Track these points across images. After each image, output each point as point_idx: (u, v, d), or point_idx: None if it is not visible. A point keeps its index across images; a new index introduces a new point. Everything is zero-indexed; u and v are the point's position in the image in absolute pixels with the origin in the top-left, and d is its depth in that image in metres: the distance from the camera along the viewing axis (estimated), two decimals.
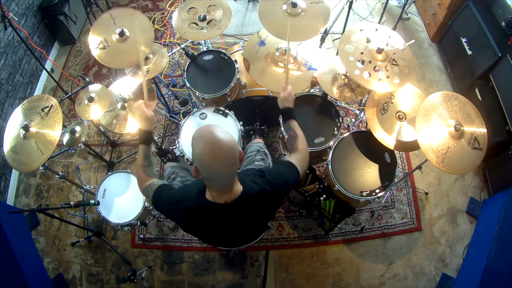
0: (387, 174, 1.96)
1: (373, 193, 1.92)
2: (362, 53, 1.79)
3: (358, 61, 1.78)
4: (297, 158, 1.35)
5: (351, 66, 1.77)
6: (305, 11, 1.93)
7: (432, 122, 1.61)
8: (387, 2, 2.95)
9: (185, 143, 2.01)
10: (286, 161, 1.33)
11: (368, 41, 1.83)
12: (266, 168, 1.29)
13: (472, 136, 1.63)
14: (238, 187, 1.15)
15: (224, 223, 1.23)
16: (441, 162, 1.57)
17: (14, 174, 2.72)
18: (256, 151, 1.89)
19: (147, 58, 2.10)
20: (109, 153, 2.77)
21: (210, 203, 1.14)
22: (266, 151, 1.95)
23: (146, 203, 1.99)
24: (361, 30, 1.87)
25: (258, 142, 2.01)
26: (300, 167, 1.32)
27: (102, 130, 2.58)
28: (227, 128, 2.04)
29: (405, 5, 2.72)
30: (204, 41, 2.48)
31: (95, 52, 1.88)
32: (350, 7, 2.46)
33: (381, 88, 1.75)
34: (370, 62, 1.78)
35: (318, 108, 2.16)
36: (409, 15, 3.44)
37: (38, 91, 3.11)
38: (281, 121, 2.07)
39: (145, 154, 1.39)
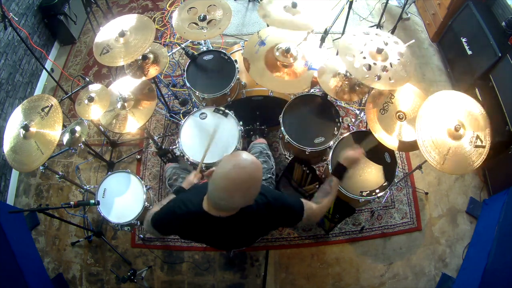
0: (387, 174, 1.95)
1: (373, 193, 1.92)
2: (364, 58, 1.78)
3: (364, 66, 1.77)
4: (311, 208, 1.31)
5: (361, 73, 1.75)
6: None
7: (432, 123, 1.61)
8: (387, 2, 2.95)
9: (185, 143, 2.01)
10: (300, 200, 1.31)
11: (365, 44, 1.83)
12: (274, 192, 1.29)
13: (474, 134, 1.62)
14: None
15: (217, 233, 1.25)
16: (442, 163, 1.56)
17: (14, 174, 2.72)
18: (259, 153, 1.90)
19: (146, 58, 2.10)
20: (109, 153, 2.77)
21: (205, 213, 1.16)
22: (269, 152, 1.95)
23: (146, 202, 1.99)
24: (353, 35, 1.86)
25: (261, 143, 2.00)
26: (306, 215, 1.28)
27: (102, 130, 2.58)
28: (228, 128, 2.04)
29: (405, 5, 2.72)
30: (204, 41, 2.48)
31: (102, 60, 1.91)
32: (350, 7, 2.47)
33: (393, 85, 1.74)
34: (375, 64, 1.77)
35: (318, 108, 2.16)
36: (409, 15, 3.44)
37: (38, 91, 3.11)
38: (281, 121, 2.07)
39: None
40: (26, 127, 1.75)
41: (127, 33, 1.97)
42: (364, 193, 1.92)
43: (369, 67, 1.75)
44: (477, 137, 1.61)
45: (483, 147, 1.61)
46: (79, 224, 2.40)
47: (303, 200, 1.32)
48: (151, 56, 2.11)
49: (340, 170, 1.44)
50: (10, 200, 2.63)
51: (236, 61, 2.17)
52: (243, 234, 1.32)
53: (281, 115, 2.09)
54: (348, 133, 2.08)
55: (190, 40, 3.01)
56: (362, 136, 2.06)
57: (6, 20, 2.10)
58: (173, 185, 1.83)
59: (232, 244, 1.51)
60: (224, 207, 1.12)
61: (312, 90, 2.20)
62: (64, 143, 2.02)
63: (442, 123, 1.62)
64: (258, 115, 2.42)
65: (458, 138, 1.60)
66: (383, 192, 1.92)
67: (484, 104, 2.37)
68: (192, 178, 1.53)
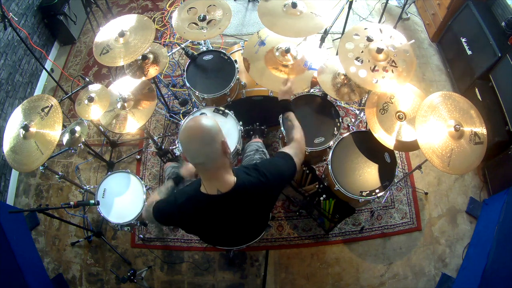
0: (387, 174, 1.95)
1: (373, 193, 1.92)
2: (362, 51, 1.79)
3: (356, 59, 1.78)
4: (293, 148, 1.37)
5: (348, 62, 1.77)
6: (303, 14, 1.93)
7: (431, 123, 1.61)
8: (387, 2, 2.95)
9: None
10: (282, 152, 1.34)
11: (369, 40, 1.83)
12: (261, 162, 1.30)
13: (472, 132, 1.63)
14: (231, 178, 1.17)
15: (220, 216, 1.23)
16: (447, 165, 1.56)
17: (14, 174, 2.72)
18: (254, 151, 1.90)
19: (146, 58, 2.10)
20: (109, 153, 2.77)
21: (204, 195, 1.16)
22: (265, 150, 1.95)
23: (146, 203, 1.99)
24: (365, 29, 1.87)
25: (256, 142, 2.02)
26: (296, 158, 1.32)
27: (102, 130, 2.58)
28: (227, 128, 2.04)
29: (405, 5, 2.72)
30: (204, 41, 2.48)
31: (101, 60, 1.91)
32: (350, 7, 2.46)
33: (376, 88, 1.75)
34: (368, 61, 1.78)
35: (318, 108, 2.16)
36: (409, 15, 3.44)
37: (38, 91, 3.11)
38: (281, 120, 2.07)
39: (169, 188, 1.51)
40: (26, 127, 1.75)
41: (127, 33, 1.97)
42: (364, 193, 1.92)
43: (362, 62, 1.76)
44: (475, 134, 1.62)
45: (482, 143, 1.62)
46: (79, 224, 2.40)
47: (284, 150, 1.35)
48: (151, 56, 2.11)
49: (286, 104, 1.56)
50: (10, 200, 2.63)
51: (236, 61, 2.17)
52: (247, 214, 1.30)
53: (281, 115, 2.09)
54: (348, 133, 2.08)
55: (190, 40, 3.02)
56: (362, 136, 2.06)
57: (6, 20, 2.09)
58: None
59: (235, 234, 1.50)
60: (204, 161, 1.11)
61: (312, 90, 2.20)
62: (64, 143, 2.02)
63: (441, 128, 1.62)
64: (258, 115, 2.42)
65: (459, 138, 1.61)
66: (383, 192, 1.92)
67: (484, 104, 2.40)
68: (190, 166, 1.54)
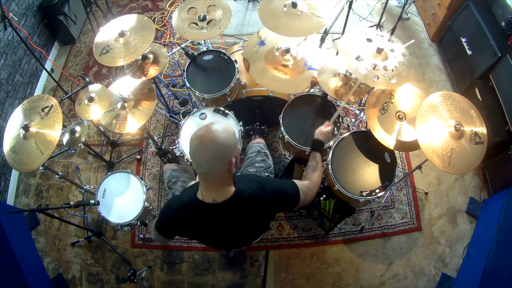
0: (387, 174, 1.95)
1: (373, 193, 1.92)
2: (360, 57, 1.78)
3: (356, 59, 1.77)
4: (304, 186, 1.36)
5: (349, 58, 1.76)
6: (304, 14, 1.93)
7: (432, 123, 1.61)
8: (387, 2, 2.95)
9: (185, 143, 2.01)
10: (293, 181, 1.34)
11: (369, 40, 1.83)
12: (266, 177, 1.30)
13: (472, 131, 1.63)
14: (230, 189, 1.16)
15: (215, 222, 1.23)
16: (447, 165, 1.56)
17: (14, 174, 2.72)
18: (256, 152, 1.89)
19: (146, 58, 2.10)
20: (109, 153, 2.77)
21: (200, 202, 1.16)
22: (267, 151, 1.94)
23: (146, 203, 1.99)
24: (366, 33, 1.87)
25: (258, 143, 2.00)
26: (303, 194, 1.32)
27: (102, 130, 2.58)
28: None
29: (405, 5, 2.72)
30: (204, 41, 2.48)
31: (101, 60, 1.91)
32: (350, 7, 2.47)
33: (376, 84, 1.74)
34: (369, 59, 1.77)
35: (318, 108, 2.16)
36: (409, 15, 3.44)
37: (38, 91, 3.11)
38: (281, 121, 2.08)
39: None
40: (26, 127, 1.75)
41: (127, 33, 1.96)
42: (364, 193, 1.92)
43: (373, 67, 1.75)
44: (475, 133, 1.62)
45: (482, 143, 1.62)
46: (79, 224, 2.40)
47: (295, 181, 1.35)
48: (151, 56, 2.11)
49: (319, 145, 1.58)
50: (10, 200, 2.63)
51: (236, 61, 2.17)
52: (242, 224, 1.30)
53: (281, 115, 2.09)
54: (348, 133, 2.08)
55: (190, 40, 3.01)
56: (362, 136, 2.06)
57: (6, 20, 2.10)
58: (172, 187, 1.82)
59: (231, 239, 1.49)
60: (207, 172, 1.10)
61: (312, 90, 2.20)
62: (64, 143, 2.02)
63: (441, 128, 1.62)
64: (258, 115, 2.42)
65: (459, 138, 1.61)
66: (383, 192, 1.92)
67: (484, 104, 2.40)
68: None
